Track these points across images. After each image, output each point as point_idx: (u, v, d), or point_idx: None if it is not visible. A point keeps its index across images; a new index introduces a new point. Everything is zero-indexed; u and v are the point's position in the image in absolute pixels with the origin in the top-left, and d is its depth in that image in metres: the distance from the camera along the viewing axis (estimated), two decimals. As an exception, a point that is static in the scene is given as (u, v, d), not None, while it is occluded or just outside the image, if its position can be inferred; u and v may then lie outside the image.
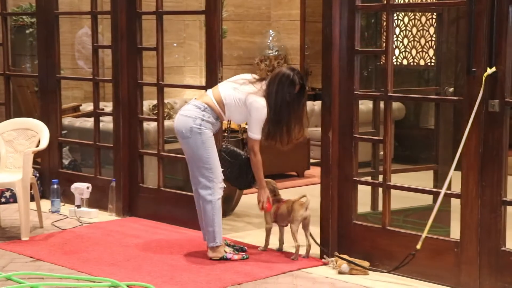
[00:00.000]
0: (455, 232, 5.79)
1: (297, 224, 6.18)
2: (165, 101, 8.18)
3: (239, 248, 6.37)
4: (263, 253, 6.39)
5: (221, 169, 6.18)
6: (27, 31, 9.10)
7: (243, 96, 6.08)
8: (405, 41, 8.51)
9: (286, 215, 6.25)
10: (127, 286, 5.53)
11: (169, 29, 7.54)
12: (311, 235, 6.19)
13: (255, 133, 6.10)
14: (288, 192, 7.61)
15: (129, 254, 6.44)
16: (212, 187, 6.07)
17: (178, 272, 5.92)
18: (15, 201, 7.06)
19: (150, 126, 7.98)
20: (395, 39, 8.41)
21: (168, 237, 6.99)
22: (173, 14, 7.40)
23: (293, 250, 6.20)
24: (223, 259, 6.10)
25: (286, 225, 6.31)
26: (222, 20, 7.03)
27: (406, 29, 8.47)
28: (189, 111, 6.10)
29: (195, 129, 5.99)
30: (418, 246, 5.64)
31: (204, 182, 6.07)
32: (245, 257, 6.18)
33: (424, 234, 5.58)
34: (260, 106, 6.03)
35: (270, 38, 10.52)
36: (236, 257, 6.14)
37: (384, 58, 6.23)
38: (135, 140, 7.68)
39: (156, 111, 7.63)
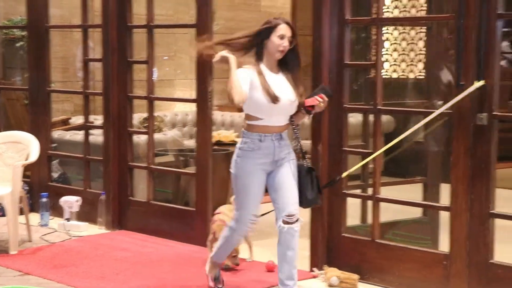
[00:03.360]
0: (444, 245, 5.81)
1: None
2: (155, 114, 8.21)
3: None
4: (248, 266, 6.36)
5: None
6: (18, 44, 9.12)
7: None
8: (395, 54, 8.55)
9: None
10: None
11: (160, 43, 7.55)
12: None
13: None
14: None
15: (118, 268, 6.42)
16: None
17: (167, 287, 5.93)
18: (3, 215, 7.06)
19: (140, 139, 7.98)
20: (384, 52, 8.47)
21: (158, 250, 6.97)
22: (163, 28, 7.43)
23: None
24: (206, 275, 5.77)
25: None
26: (213, 34, 7.07)
27: (395, 43, 8.53)
28: None
29: None
30: (344, 175, 5.98)
31: None
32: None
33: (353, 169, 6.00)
34: None
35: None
36: (211, 284, 5.73)
37: (373, 71, 6.27)
38: (125, 153, 7.69)
39: (146, 124, 7.66)
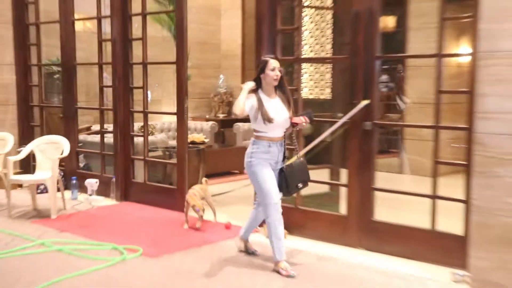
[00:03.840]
0: (343, 210, 5.87)
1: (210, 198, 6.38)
2: (149, 123, 8.24)
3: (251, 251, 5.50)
4: (213, 226, 6.36)
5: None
6: (55, 76, 9.07)
7: None
8: (311, 82, 8.67)
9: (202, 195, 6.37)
10: (124, 248, 5.53)
11: (152, 74, 7.59)
12: None
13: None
14: (233, 183, 7.69)
15: (124, 226, 6.46)
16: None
17: (158, 239, 5.94)
18: (47, 192, 7.06)
19: (138, 140, 7.97)
20: (304, 81, 8.57)
21: (151, 215, 6.98)
22: (154, 64, 7.47)
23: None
24: (247, 251, 5.46)
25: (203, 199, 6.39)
26: (188, 68, 7.11)
27: (311, 75, 8.65)
28: None
29: None
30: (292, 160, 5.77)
31: None
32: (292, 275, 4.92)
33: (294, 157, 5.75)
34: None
35: (221, 80, 10.60)
36: (251, 250, 5.44)
37: (296, 94, 6.36)
38: (128, 150, 7.71)
39: (143, 130, 7.67)
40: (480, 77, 4.54)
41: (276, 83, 4.91)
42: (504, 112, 4.43)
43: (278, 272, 4.92)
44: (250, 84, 4.89)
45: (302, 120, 4.93)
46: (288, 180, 5.00)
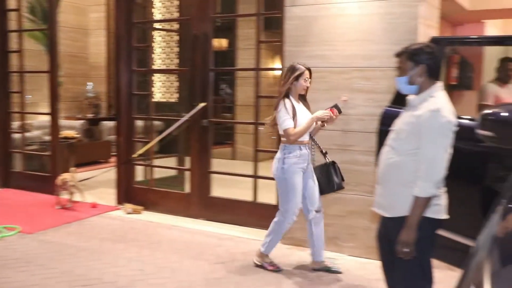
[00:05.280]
0: (187, 189, 5.85)
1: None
2: (28, 121, 7.71)
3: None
4: (81, 205, 6.08)
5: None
6: None
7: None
8: (163, 88, 8.58)
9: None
10: (3, 227, 5.19)
11: (31, 81, 7.09)
12: None
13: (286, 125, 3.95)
14: (98, 170, 7.42)
15: (4, 209, 5.94)
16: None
17: (34, 218, 5.61)
18: None
19: (18, 136, 7.43)
20: (158, 87, 8.47)
21: (29, 199, 6.49)
22: (29, 73, 7.00)
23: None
24: (261, 266, 4.25)
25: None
26: (59, 76, 6.78)
27: (163, 82, 8.57)
28: None
29: None
30: (135, 155, 5.86)
31: None
32: (279, 270, 4.21)
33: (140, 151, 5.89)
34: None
35: (90, 87, 10.21)
36: (270, 268, 4.22)
37: (149, 97, 6.30)
38: (6, 144, 7.16)
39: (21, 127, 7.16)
40: (286, 86, 4.72)
41: (304, 92, 4.07)
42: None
43: (263, 267, 4.24)
44: (322, 113, 3.97)
45: (331, 113, 3.98)
46: (334, 173, 4.13)
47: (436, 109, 2.50)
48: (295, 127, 3.92)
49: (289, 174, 3.96)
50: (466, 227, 2.83)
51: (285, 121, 3.91)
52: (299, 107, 4.03)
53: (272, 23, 7.63)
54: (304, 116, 4.00)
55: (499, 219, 1.54)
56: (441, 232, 2.82)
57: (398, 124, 2.73)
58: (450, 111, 2.55)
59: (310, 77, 4.03)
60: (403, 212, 2.60)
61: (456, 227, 3.00)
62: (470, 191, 3.17)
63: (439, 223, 2.61)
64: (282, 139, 4.01)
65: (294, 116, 3.93)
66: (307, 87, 4.04)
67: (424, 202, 2.52)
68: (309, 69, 4.02)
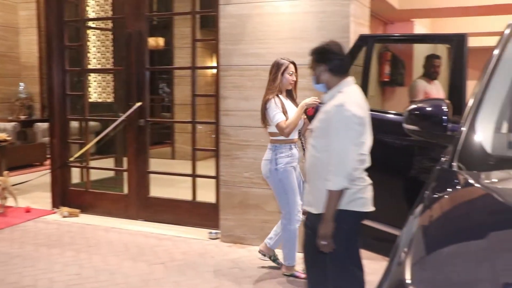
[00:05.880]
0: (125, 190, 5.77)
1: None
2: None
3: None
4: (15, 210, 5.84)
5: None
6: None
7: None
8: (99, 89, 8.41)
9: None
10: None
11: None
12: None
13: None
14: (33, 174, 7.18)
15: None
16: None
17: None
18: None
19: None
20: (94, 87, 8.29)
21: None
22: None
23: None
24: (293, 276, 4.02)
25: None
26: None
27: (99, 82, 8.39)
28: None
29: None
30: (72, 158, 5.79)
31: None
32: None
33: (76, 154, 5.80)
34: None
35: (22, 88, 9.82)
36: (302, 276, 3.94)
37: (83, 98, 6.14)
38: None
39: None
40: (222, 84, 4.75)
41: (291, 87, 3.94)
42: (239, 110, 4.70)
43: (295, 276, 4.02)
44: (310, 99, 3.80)
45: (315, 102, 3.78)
46: None
47: (340, 104, 2.58)
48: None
49: (285, 174, 3.83)
50: (394, 217, 2.94)
51: (276, 115, 3.76)
52: (287, 103, 3.90)
53: (208, 22, 7.62)
54: (293, 112, 3.85)
55: (424, 208, 1.61)
56: (370, 223, 2.91)
57: (315, 122, 2.80)
58: (357, 105, 2.62)
59: (296, 71, 3.92)
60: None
61: (384, 218, 3.12)
62: (398, 182, 3.30)
63: (364, 215, 2.70)
64: (272, 138, 3.88)
65: (285, 113, 3.79)
66: (294, 81, 3.93)
67: (336, 195, 2.59)
68: (293, 63, 3.90)
